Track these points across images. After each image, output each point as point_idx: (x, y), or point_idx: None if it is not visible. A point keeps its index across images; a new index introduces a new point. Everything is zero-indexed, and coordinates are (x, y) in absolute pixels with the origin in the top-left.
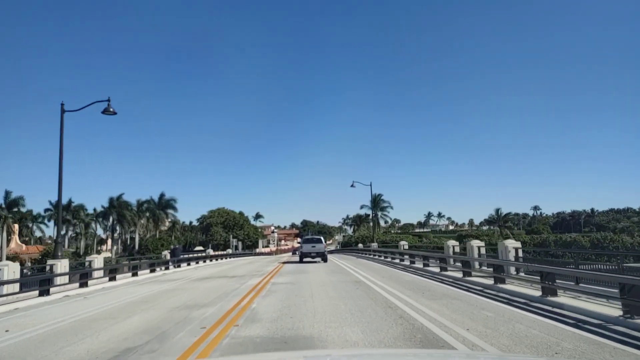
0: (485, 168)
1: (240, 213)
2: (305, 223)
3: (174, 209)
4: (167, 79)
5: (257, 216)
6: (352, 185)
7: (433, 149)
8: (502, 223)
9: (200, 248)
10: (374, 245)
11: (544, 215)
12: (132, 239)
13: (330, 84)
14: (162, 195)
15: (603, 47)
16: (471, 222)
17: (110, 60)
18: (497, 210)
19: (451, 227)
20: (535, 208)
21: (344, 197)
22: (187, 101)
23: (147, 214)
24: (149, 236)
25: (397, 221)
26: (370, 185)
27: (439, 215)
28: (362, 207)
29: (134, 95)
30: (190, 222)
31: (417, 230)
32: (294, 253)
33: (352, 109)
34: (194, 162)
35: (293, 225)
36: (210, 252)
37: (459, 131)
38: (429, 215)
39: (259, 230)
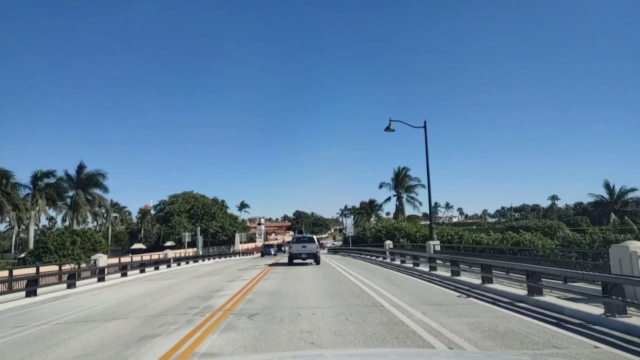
0: (492, 159)
1: (215, 200)
2: (298, 214)
3: (101, 187)
4: (163, 73)
5: (243, 206)
6: (388, 128)
7: (433, 142)
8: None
9: (141, 246)
10: (434, 244)
11: (562, 207)
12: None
13: (328, 77)
14: (81, 168)
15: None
16: (484, 214)
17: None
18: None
19: (458, 220)
20: (553, 198)
21: (341, 190)
22: (181, 95)
23: (56, 195)
24: (62, 229)
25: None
26: (425, 126)
27: (447, 206)
28: (381, 185)
29: (132, 90)
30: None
31: (422, 222)
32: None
33: (349, 102)
34: (181, 155)
35: (285, 218)
36: (169, 253)
37: (459, 123)
38: (436, 206)
39: (243, 222)
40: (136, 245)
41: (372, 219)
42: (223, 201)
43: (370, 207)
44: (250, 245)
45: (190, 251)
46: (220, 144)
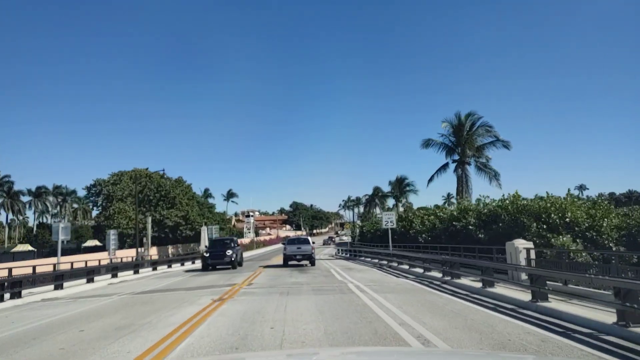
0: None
1: (178, 180)
2: (295, 206)
3: None
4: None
5: (230, 195)
6: None
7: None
8: None
9: (97, 243)
10: None
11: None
12: None
13: (328, 70)
14: None
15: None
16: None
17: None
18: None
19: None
20: (581, 187)
21: (343, 184)
22: (171, 83)
23: None
24: None
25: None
26: None
27: (420, 208)
28: (427, 144)
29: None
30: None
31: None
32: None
33: (349, 96)
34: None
35: (282, 211)
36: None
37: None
38: (449, 197)
39: (221, 214)
40: (91, 242)
41: (399, 207)
42: (189, 185)
43: (399, 188)
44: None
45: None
46: (211, 134)
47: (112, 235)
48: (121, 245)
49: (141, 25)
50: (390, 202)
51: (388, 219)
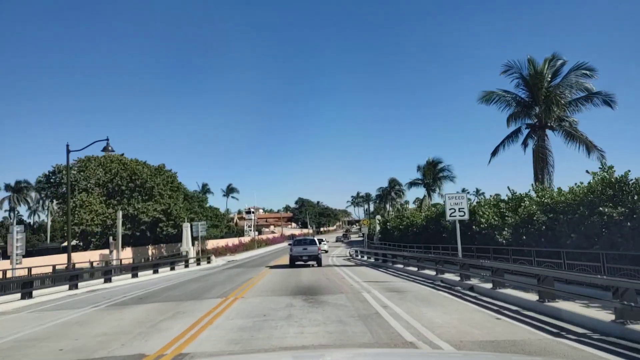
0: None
1: (160, 168)
2: (301, 202)
3: None
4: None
5: (230, 190)
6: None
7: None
8: None
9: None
10: None
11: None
12: None
13: (332, 65)
14: None
15: None
16: None
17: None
18: None
19: None
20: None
21: (349, 181)
22: (176, 79)
23: None
24: None
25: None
26: None
27: (478, 193)
28: (489, 99)
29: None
30: None
31: None
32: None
33: (357, 90)
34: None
35: (287, 209)
36: None
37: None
38: (464, 192)
39: (215, 209)
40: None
41: (426, 201)
42: (174, 173)
43: (432, 174)
44: (231, 242)
45: (95, 256)
46: (214, 128)
47: (18, 232)
48: (85, 246)
49: (141, 24)
50: (414, 193)
51: (455, 206)
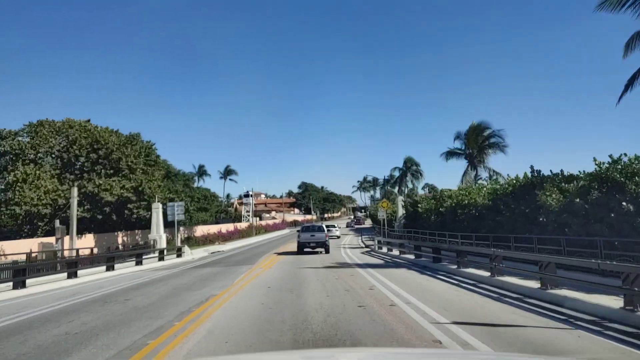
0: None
1: (130, 137)
2: (305, 187)
3: None
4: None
5: (228, 172)
6: None
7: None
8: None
9: None
10: None
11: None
12: None
13: (338, 51)
14: None
15: None
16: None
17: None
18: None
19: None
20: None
21: (355, 167)
22: (179, 63)
23: None
24: None
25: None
26: None
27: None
28: None
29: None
30: None
31: None
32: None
33: (362, 74)
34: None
35: (290, 194)
36: None
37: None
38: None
39: (204, 189)
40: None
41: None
42: (151, 144)
43: (475, 141)
44: (225, 228)
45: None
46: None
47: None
48: (32, 233)
49: (142, 23)
50: (453, 165)
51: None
